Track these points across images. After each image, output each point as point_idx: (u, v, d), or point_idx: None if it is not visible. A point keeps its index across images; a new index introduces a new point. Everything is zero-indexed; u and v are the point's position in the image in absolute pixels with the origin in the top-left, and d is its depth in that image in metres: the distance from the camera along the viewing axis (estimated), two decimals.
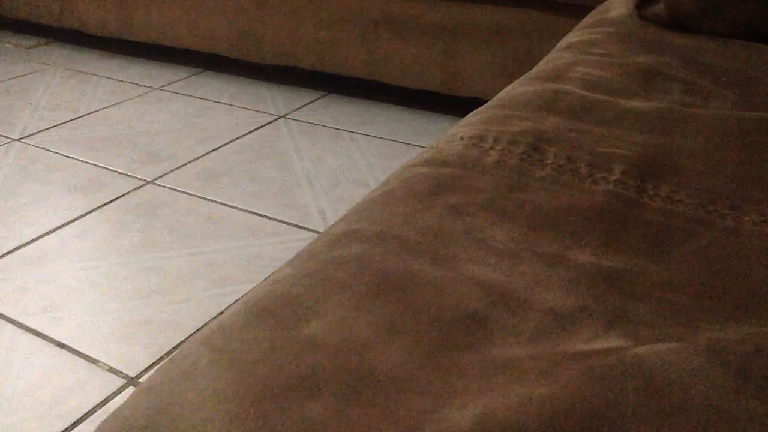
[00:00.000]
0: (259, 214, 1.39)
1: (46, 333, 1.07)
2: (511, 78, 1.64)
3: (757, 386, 0.29)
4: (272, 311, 0.35)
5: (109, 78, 2.16)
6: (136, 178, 1.54)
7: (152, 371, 1.00)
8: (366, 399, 0.30)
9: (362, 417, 0.29)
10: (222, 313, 1.11)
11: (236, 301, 1.13)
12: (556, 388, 0.30)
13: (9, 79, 2.17)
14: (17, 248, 1.29)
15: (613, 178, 0.48)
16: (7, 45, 2.50)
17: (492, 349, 0.33)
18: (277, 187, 1.49)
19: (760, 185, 0.45)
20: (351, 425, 0.29)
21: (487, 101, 0.72)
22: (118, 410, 0.33)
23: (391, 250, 0.39)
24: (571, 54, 0.77)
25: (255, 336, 0.34)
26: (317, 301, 0.36)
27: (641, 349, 0.32)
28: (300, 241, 1.29)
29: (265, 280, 0.41)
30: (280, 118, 1.85)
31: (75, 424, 0.91)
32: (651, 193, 0.45)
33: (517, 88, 0.69)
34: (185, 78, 2.15)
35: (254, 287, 0.40)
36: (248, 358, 0.32)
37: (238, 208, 1.41)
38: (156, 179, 1.53)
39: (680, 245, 0.40)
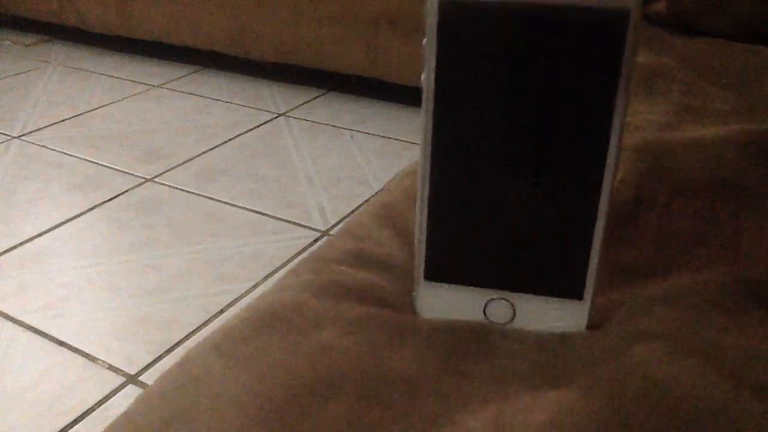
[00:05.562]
0: (259, 212, 1.39)
1: (46, 331, 1.07)
2: None
3: (753, 387, 0.30)
4: (282, 318, 0.36)
5: (109, 75, 2.16)
6: (136, 175, 1.54)
7: (152, 369, 1.01)
8: (383, 400, 0.30)
9: (380, 419, 0.29)
10: (223, 311, 1.12)
11: (235, 300, 1.13)
12: (561, 392, 0.30)
13: (8, 76, 2.17)
14: (16, 246, 1.29)
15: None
16: (7, 42, 2.49)
17: (500, 357, 0.33)
18: (276, 184, 1.49)
19: (759, 191, 0.45)
20: (370, 428, 0.29)
21: None
22: (127, 415, 0.33)
23: (398, 277, 0.40)
24: None
25: (267, 342, 0.34)
26: (327, 309, 0.36)
27: (640, 353, 0.32)
28: (299, 239, 1.29)
29: (270, 288, 0.41)
30: (280, 115, 1.85)
31: (75, 422, 0.91)
32: (648, 204, 0.45)
33: None
34: (185, 75, 2.15)
35: (260, 295, 0.40)
36: (263, 363, 0.33)
37: (237, 206, 1.41)
38: (155, 177, 1.54)
39: (678, 257, 0.41)
